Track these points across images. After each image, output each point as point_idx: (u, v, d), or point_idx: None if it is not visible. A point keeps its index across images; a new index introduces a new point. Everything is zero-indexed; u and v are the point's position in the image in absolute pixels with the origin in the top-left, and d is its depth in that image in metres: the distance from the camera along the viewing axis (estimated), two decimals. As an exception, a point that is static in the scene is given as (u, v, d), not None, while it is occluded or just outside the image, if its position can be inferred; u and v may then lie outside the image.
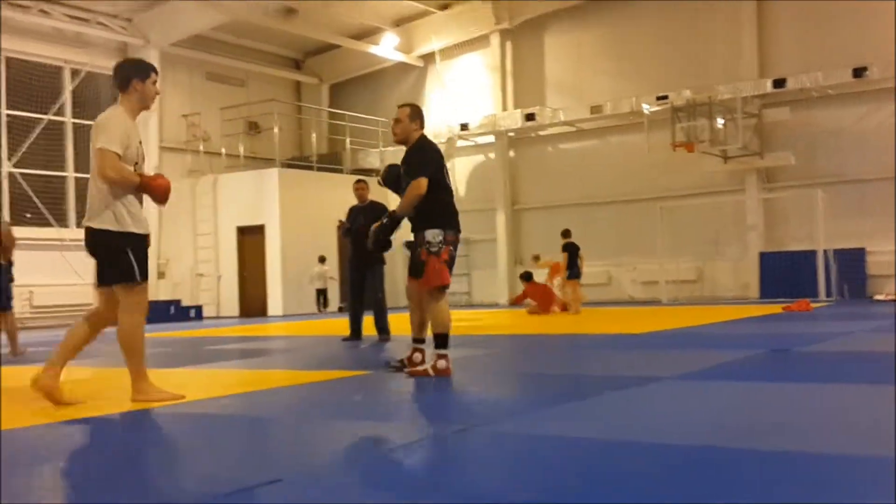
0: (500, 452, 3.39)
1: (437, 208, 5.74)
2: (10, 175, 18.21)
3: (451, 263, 5.78)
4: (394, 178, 6.08)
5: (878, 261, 17.48)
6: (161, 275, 20.53)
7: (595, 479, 2.81)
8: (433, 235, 5.68)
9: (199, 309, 20.14)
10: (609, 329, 10.57)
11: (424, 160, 5.79)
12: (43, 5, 18.46)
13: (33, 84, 18.80)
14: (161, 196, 5.11)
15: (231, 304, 20.76)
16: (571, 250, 14.94)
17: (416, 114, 6.03)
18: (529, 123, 20.93)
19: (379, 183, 6.26)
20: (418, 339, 6.14)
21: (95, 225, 4.87)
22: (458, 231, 5.87)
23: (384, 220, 5.91)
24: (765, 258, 18.55)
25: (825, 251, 16.96)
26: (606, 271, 20.45)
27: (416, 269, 5.77)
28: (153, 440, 4.05)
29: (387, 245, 6.10)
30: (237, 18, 20.17)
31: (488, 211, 22.16)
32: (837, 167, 18.05)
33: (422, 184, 5.64)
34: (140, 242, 4.98)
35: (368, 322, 9.76)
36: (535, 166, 22.00)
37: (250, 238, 20.39)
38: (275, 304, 20.01)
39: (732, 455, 3.06)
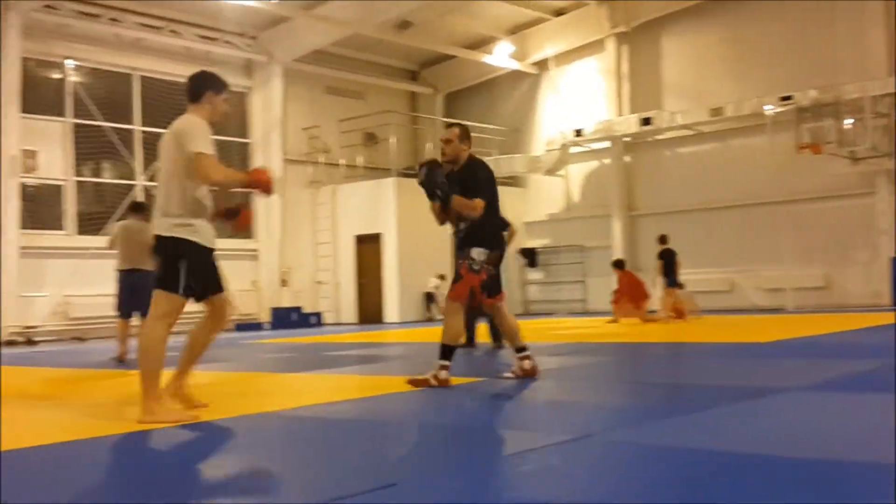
0: (611, 462, 3.36)
1: (486, 229, 5.96)
2: (145, 188, 19.24)
3: (493, 281, 6.01)
4: (433, 183, 5.98)
5: None
6: (283, 283, 21.22)
7: (709, 492, 2.76)
8: (478, 254, 5.89)
9: (318, 316, 20.68)
10: (730, 338, 10.26)
11: (486, 184, 5.97)
12: (174, 26, 19.43)
13: (165, 101, 19.80)
14: (267, 188, 4.99)
15: (349, 311, 21.25)
16: (667, 258, 14.53)
17: (466, 134, 6.17)
18: (646, 128, 20.56)
19: (420, 183, 6.15)
20: (520, 349, 6.18)
21: (163, 232, 4.76)
22: (503, 250, 6.12)
23: (441, 181, 5.90)
24: (899, 264, 17.59)
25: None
26: (729, 278, 19.84)
27: (492, 286, 6.02)
28: (270, 444, 4.20)
29: (429, 187, 5.96)
30: (356, 33, 20.67)
31: (603, 217, 21.88)
32: (980, 167, 16.94)
33: (479, 205, 5.86)
34: (198, 254, 4.79)
35: (482, 329, 9.81)
36: (652, 171, 21.58)
37: (368, 246, 20.83)
38: (391, 311, 20.36)
39: (856, 469, 2.94)
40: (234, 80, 21.02)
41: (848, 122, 17.05)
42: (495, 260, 5.99)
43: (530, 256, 22.84)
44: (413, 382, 5.80)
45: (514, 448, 3.54)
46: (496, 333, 9.73)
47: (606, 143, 21.93)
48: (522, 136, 23.87)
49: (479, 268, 5.88)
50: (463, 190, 5.90)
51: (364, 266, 21.04)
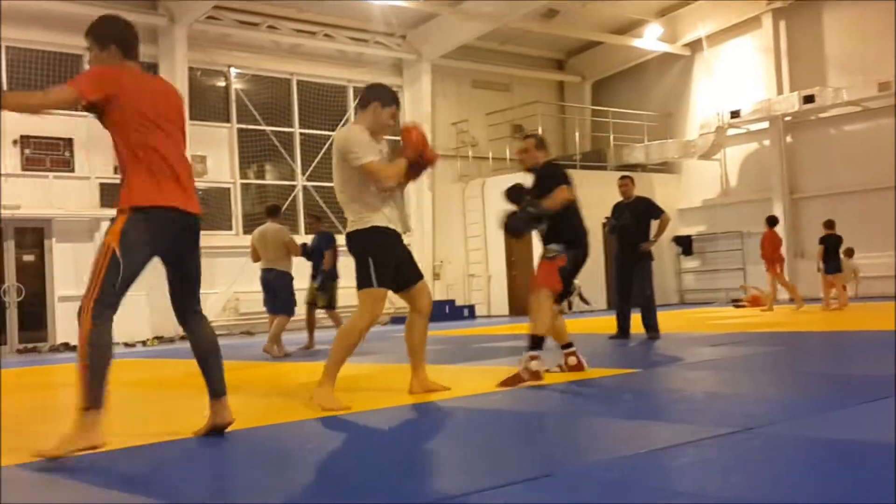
0: (773, 456, 3.23)
1: (565, 228, 6.07)
2: (305, 188, 20.05)
3: (568, 273, 6.05)
4: (517, 197, 6.33)
5: None
6: (436, 276, 21.60)
7: (879, 488, 2.60)
8: (555, 247, 6.03)
9: (471, 308, 20.90)
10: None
11: (559, 179, 6.09)
12: (328, 30, 20.13)
13: (321, 104, 20.56)
14: (430, 158, 5.27)
15: (501, 304, 21.37)
16: (829, 244, 14.01)
17: (542, 143, 6.44)
18: (808, 106, 19.48)
19: (504, 196, 6.54)
20: (566, 345, 6.28)
21: (350, 228, 5.13)
22: (586, 254, 6.19)
23: (530, 209, 6.02)
24: None
25: None
26: (904, 263, 18.56)
27: (566, 277, 6.10)
28: (426, 434, 4.30)
29: (518, 232, 6.31)
30: (502, 26, 20.71)
31: (763, 201, 20.92)
32: None
33: (565, 192, 5.95)
34: (381, 244, 5.08)
35: (636, 320, 9.63)
36: (815, 151, 20.45)
37: (518, 239, 20.82)
38: (544, 303, 20.29)
39: None
40: (386, 80, 21.57)
41: None
42: (574, 258, 6.08)
43: (685, 244, 22.15)
44: (504, 383, 5.58)
45: (671, 440, 3.47)
46: (649, 325, 9.55)
47: (765, 124, 20.99)
48: (674, 121, 23.20)
49: (554, 255, 5.99)
50: (541, 195, 6.03)
51: (514, 258, 21.09)
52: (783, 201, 20.74)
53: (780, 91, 20.68)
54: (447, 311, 20.20)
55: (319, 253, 10.90)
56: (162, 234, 3.83)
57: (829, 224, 14.35)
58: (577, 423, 4.26)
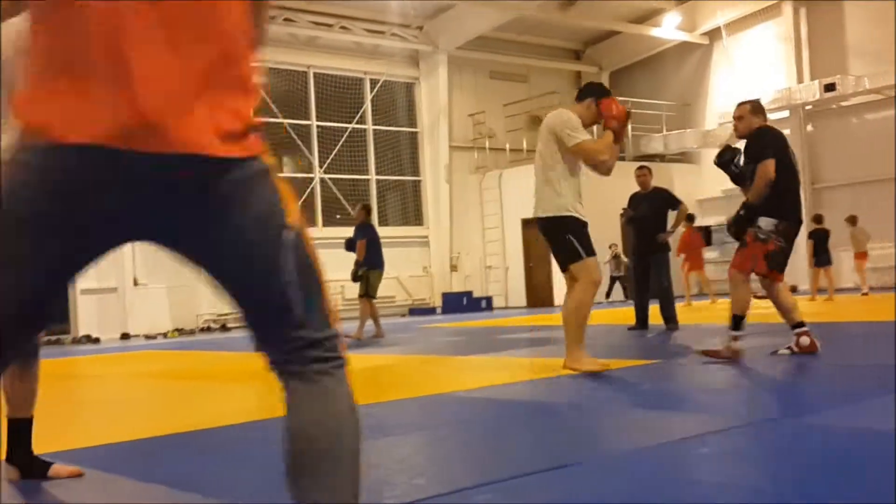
0: (798, 446, 3.19)
1: (777, 196, 5.61)
2: (322, 181, 20.08)
3: (779, 256, 5.67)
4: (728, 161, 6.06)
5: None
6: (453, 268, 21.58)
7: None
8: (766, 223, 5.63)
9: (489, 300, 20.88)
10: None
11: (765, 143, 5.73)
12: (344, 22, 20.12)
13: (338, 96, 20.58)
14: (621, 117, 5.66)
15: (518, 295, 21.33)
16: (818, 238, 14.33)
17: (758, 108, 6.04)
18: (829, 94, 19.30)
19: (714, 162, 6.30)
20: (795, 325, 5.84)
21: (542, 214, 5.63)
22: (799, 222, 5.79)
23: (740, 212, 5.84)
24: None
25: None
26: (926, 253, 18.36)
27: (779, 260, 5.75)
28: (446, 424, 4.28)
29: (741, 236, 5.92)
30: (519, 16, 20.62)
31: (784, 192, 20.76)
32: None
33: (769, 167, 5.57)
34: (580, 225, 5.54)
35: (654, 311, 9.58)
36: (837, 141, 20.26)
37: (535, 230, 20.72)
38: (560, 295, 20.20)
39: None
40: (403, 72, 21.54)
41: None
42: (785, 231, 5.66)
43: (705, 235, 22.01)
44: (706, 353, 5.79)
45: (694, 430, 3.44)
46: (668, 316, 9.49)
47: (785, 113, 20.79)
48: (693, 111, 23.04)
49: (766, 237, 5.63)
50: (751, 161, 5.75)
51: (532, 250, 21.03)
52: (804, 191, 20.55)
53: (800, 79, 20.49)
54: (465, 303, 20.19)
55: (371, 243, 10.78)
56: (71, 193, 1.42)
57: (818, 219, 14.68)
58: (601, 414, 4.24)
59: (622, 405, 4.45)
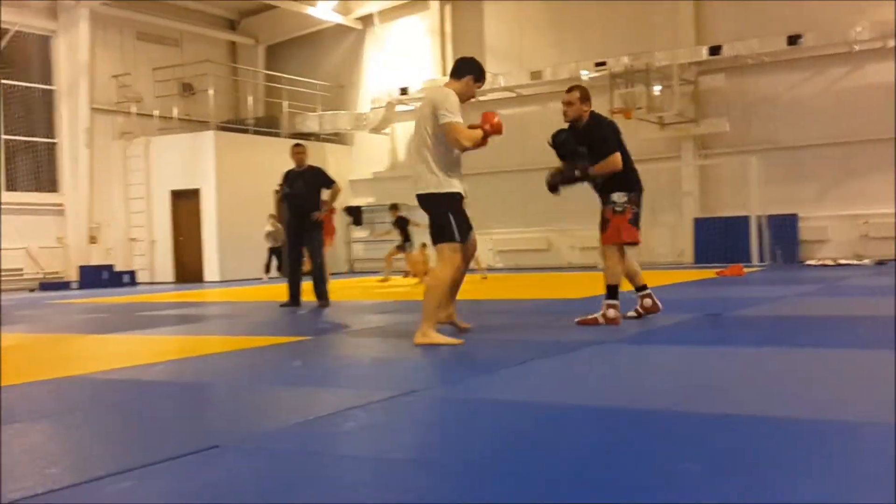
0: (436, 417, 3.40)
1: (622, 174, 6.26)
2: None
3: (635, 220, 6.34)
4: (561, 144, 6.47)
5: (810, 226, 17.95)
6: (92, 240, 20.03)
7: (532, 441, 2.84)
8: (618, 197, 6.24)
9: (132, 274, 19.77)
10: (547, 294, 10.67)
11: (609, 135, 6.30)
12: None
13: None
14: (498, 129, 5.77)
15: (166, 270, 20.39)
16: (401, 225, 15.56)
17: (586, 96, 6.42)
18: (469, 89, 20.79)
19: (549, 143, 6.59)
20: (639, 287, 6.66)
21: (420, 191, 5.65)
22: (641, 190, 6.42)
23: (576, 172, 6.30)
24: (699, 224, 18.92)
25: (758, 217, 17.34)
26: (546, 237, 20.62)
27: (635, 223, 6.37)
28: (78, 408, 3.96)
29: (555, 189, 6.56)
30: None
31: (428, 176, 22.08)
32: (771, 134, 18.41)
33: (617, 160, 6.20)
34: (460, 204, 5.68)
35: (307, 287, 9.69)
36: (474, 131, 21.89)
37: (185, 202, 20.00)
38: (211, 270, 19.72)
39: (668, 416, 3.13)
40: (36, 23, 19.45)
41: (657, 89, 18.01)
42: (636, 199, 6.33)
43: (355, 215, 22.66)
44: (581, 322, 6.06)
45: (339, 405, 3.51)
46: (320, 292, 9.65)
47: (432, 103, 22.04)
48: (348, 93, 23.60)
49: (622, 208, 6.22)
50: (589, 148, 6.24)
51: (181, 223, 20.21)
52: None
53: (444, 72, 21.82)
54: (105, 278, 18.91)
55: None
56: None
57: (395, 207, 15.82)
58: (247, 393, 4.16)
59: (269, 383, 4.42)
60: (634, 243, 6.44)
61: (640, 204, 6.43)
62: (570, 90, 6.44)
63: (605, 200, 6.37)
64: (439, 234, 5.67)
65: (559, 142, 6.52)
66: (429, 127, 5.61)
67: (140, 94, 21.11)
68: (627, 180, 6.35)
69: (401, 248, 15.63)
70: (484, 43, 21.70)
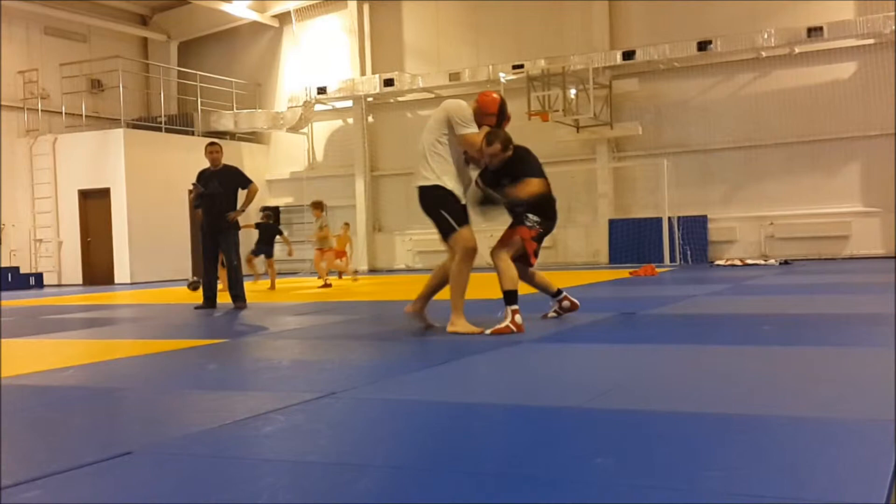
0: (356, 418, 3.39)
1: (542, 204, 6.47)
2: None
3: (540, 241, 6.57)
4: (486, 199, 6.40)
5: (719, 227, 18.55)
6: (-4, 241, 19.27)
7: (449, 440, 2.86)
8: (533, 217, 6.42)
9: (38, 276, 19.08)
10: (468, 294, 10.69)
11: (532, 166, 6.46)
12: None
13: None
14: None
15: (74, 272, 19.76)
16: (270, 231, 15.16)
17: (507, 142, 6.28)
18: (388, 89, 20.80)
19: (474, 207, 6.42)
20: (556, 293, 6.90)
21: (418, 184, 6.02)
22: (555, 223, 6.76)
23: (501, 200, 6.30)
24: (614, 225, 19.32)
25: (670, 218, 17.83)
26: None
27: (538, 245, 6.57)
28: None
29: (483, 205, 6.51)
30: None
31: (347, 177, 21.98)
32: (682, 138, 18.95)
33: (542, 185, 6.38)
34: (448, 195, 5.94)
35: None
36: (394, 132, 21.93)
37: (94, 202, 19.41)
38: (122, 272, 19.18)
39: (584, 414, 3.18)
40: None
41: (573, 92, 18.32)
42: (546, 229, 6.58)
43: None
44: (495, 332, 5.96)
45: (258, 409, 3.46)
46: (236, 294, 9.50)
47: (349, 103, 21.97)
48: (264, 91, 23.29)
49: (533, 225, 6.42)
50: (513, 178, 6.34)
51: (90, 223, 19.60)
52: (364, 177, 21.94)
53: (363, 72, 21.77)
54: (10, 280, 18.21)
55: None
56: None
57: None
58: (162, 397, 4.06)
59: (185, 387, 4.33)
60: (531, 257, 6.53)
61: (544, 236, 6.61)
62: (490, 143, 6.21)
63: (518, 220, 6.46)
64: (442, 231, 6.05)
65: (486, 200, 6.48)
66: (437, 131, 6.03)
67: (47, 91, 20.40)
68: (545, 209, 6.54)
69: (256, 253, 14.95)
70: (403, 44, 21.71)
